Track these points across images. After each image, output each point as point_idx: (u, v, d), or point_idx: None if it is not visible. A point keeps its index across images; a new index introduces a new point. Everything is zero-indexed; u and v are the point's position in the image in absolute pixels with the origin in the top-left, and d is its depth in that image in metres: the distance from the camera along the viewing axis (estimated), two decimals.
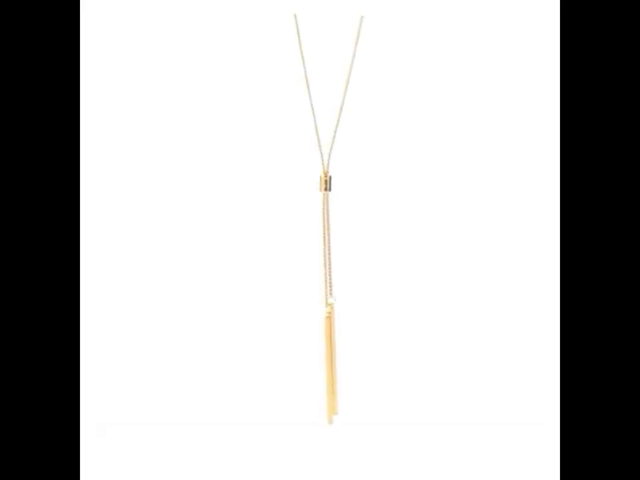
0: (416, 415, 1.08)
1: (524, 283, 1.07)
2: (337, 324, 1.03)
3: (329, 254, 1.03)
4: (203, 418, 1.08)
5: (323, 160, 1.03)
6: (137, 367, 1.08)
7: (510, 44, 1.04)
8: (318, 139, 1.03)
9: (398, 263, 1.07)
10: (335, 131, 1.03)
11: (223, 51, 1.04)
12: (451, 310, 1.07)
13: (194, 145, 1.06)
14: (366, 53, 1.03)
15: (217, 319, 1.07)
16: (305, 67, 1.02)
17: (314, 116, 1.02)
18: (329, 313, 1.02)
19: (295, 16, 1.01)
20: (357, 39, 1.02)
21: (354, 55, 1.02)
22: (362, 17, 1.02)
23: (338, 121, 1.03)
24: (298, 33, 1.02)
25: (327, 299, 1.02)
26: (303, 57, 1.02)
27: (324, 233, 1.03)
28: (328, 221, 1.03)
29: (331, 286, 1.02)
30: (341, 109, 1.03)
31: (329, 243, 1.03)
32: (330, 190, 1.03)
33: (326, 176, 1.03)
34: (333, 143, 1.03)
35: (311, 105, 1.02)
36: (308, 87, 1.02)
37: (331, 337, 1.02)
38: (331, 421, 1.03)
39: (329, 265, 1.02)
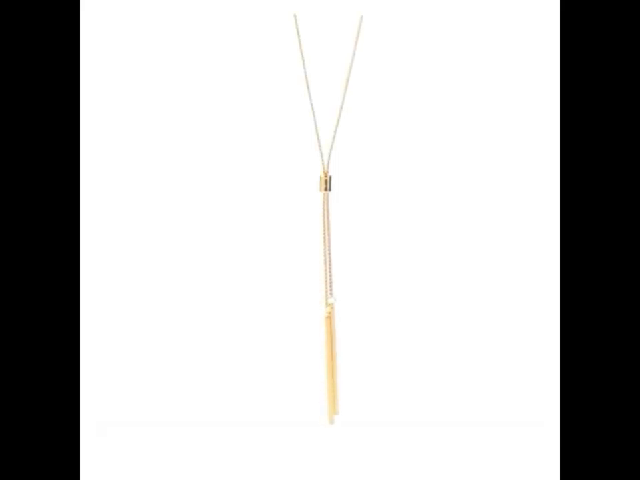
0: (416, 415, 1.08)
1: (524, 283, 1.07)
2: (337, 324, 1.03)
3: (329, 254, 1.03)
4: (203, 418, 1.08)
5: (322, 160, 1.03)
6: (137, 366, 1.08)
7: (510, 44, 1.04)
8: (318, 138, 1.03)
9: (398, 262, 1.07)
10: (335, 131, 1.03)
11: (223, 51, 1.04)
12: (451, 310, 1.07)
13: (194, 145, 1.06)
14: (366, 53, 1.03)
15: (217, 319, 1.07)
16: (304, 67, 1.02)
17: (314, 116, 1.02)
18: (329, 313, 1.02)
19: (295, 16, 1.01)
20: (357, 39, 1.02)
21: (354, 55, 1.02)
22: (362, 17, 1.02)
23: (338, 121, 1.03)
24: (298, 33, 1.02)
25: (327, 299, 1.02)
26: (303, 57, 1.02)
27: (324, 233, 1.03)
28: (328, 221, 1.03)
29: (331, 286, 1.02)
30: (341, 109, 1.03)
31: (328, 243, 1.03)
32: (330, 190, 1.03)
33: (326, 176, 1.03)
34: (332, 143, 1.03)
35: (311, 105, 1.02)
36: (308, 87, 1.02)
37: (331, 337, 1.02)
38: (331, 421, 1.03)
39: (329, 265, 1.02)
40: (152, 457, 1.05)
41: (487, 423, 1.08)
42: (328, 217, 1.03)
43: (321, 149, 1.03)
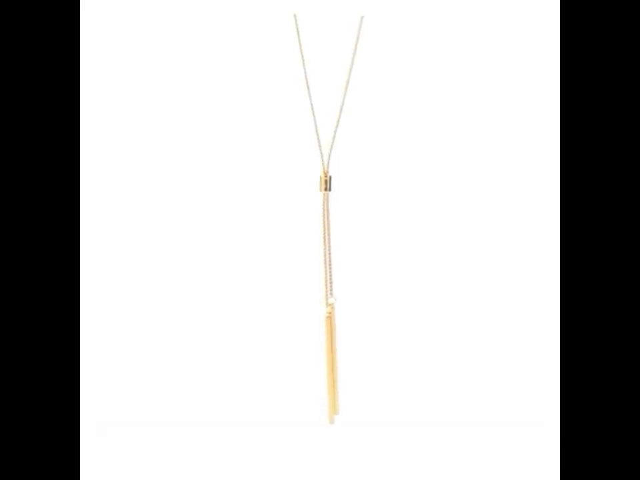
0: (416, 415, 1.08)
1: (524, 283, 1.07)
2: (337, 324, 1.03)
3: (329, 254, 1.03)
4: (203, 418, 1.08)
5: (322, 160, 1.03)
6: (137, 367, 1.08)
7: (510, 44, 1.04)
8: (318, 138, 1.03)
9: (398, 262, 1.07)
10: (335, 131, 1.03)
11: (223, 51, 1.04)
12: (451, 310, 1.07)
13: (194, 145, 1.06)
14: (366, 53, 1.03)
15: (217, 319, 1.07)
16: (304, 67, 1.02)
17: (314, 116, 1.02)
18: (330, 313, 1.02)
19: (295, 16, 1.01)
20: (357, 38, 1.02)
21: (354, 55, 1.02)
22: (362, 17, 1.02)
23: (338, 120, 1.03)
24: (298, 33, 1.02)
25: (327, 299, 1.02)
26: (302, 57, 1.02)
27: (324, 233, 1.03)
28: (328, 221, 1.03)
29: (331, 286, 1.02)
30: (341, 108, 1.03)
31: (329, 243, 1.03)
32: (330, 190, 1.03)
33: (326, 176, 1.03)
34: (332, 142, 1.03)
35: (311, 105, 1.02)
36: (308, 87, 1.02)
37: (331, 337, 1.02)
38: (332, 421, 1.03)
39: (329, 265, 1.02)
40: (152, 457, 1.05)
41: (487, 422, 1.08)
42: (328, 217, 1.03)
43: (320, 149, 1.03)
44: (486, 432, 1.07)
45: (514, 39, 1.04)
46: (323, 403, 1.03)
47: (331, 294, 1.02)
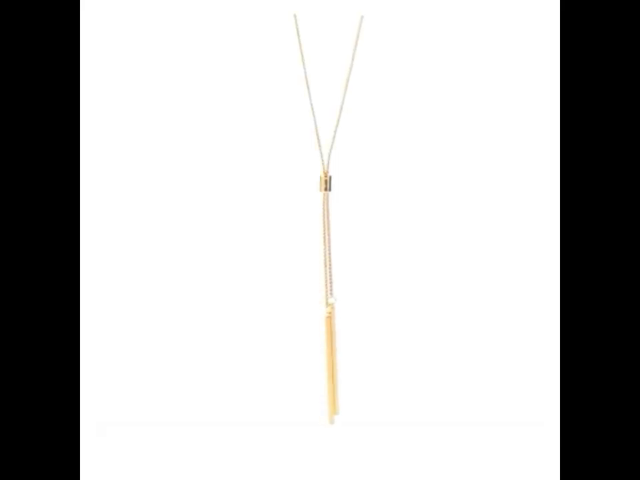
0: (416, 415, 1.08)
1: (524, 283, 1.07)
2: (337, 324, 1.03)
3: (329, 254, 1.03)
4: (203, 418, 1.08)
5: (322, 160, 1.03)
6: (137, 367, 1.08)
7: (510, 44, 1.04)
8: (318, 138, 1.03)
9: (398, 263, 1.07)
10: (335, 131, 1.03)
11: (223, 51, 1.04)
12: (451, 310, 1.07)
13: (194, 145, 1.06)
14: (366, 53, 1.03)
15: (217, 319, 1.07)
16: (304, 67, 1.02)
17: (314, 116, 1.02)
18: (330, 313, 1.02)
19: (295, 16, 1.01)
20: (357, 38, 1.02)
21: (354, 55, 1.02)
22: (362, 17, 1.02)
23: (338, 120, 1.03)
24: (298, 33, 1.02)
25: (327, 299, 1.02)
26: (302, 57, 1.02)
27: (324, 233, 1.03)
28: (328, 221, 1.03)
29: (331, 286, 1.02)
30: (341, 108, 1.03)
31: (329, 243, 1.03)
32: (330, 190, 1.03)
33: (326, 176, 1.03)
34: (332, 142, 1.03)
35: (311, 105, 1.02)
36: (308, 87, 1.02)
37: (331, 337, 1.02)
38: (332, 421, 1.03)
39: (329, 265, 1.02)
40: (152, 457, 1.05)
41: (487, 422, 1.08)
42: (328, 217, 1.03)
43: (320, 149, 1.03)
44: (486, 432, 1.07)
45: (514, 39, 1.04)
46: (322, 403, 1.03)
47: (331, 294, 1.02)
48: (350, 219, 1.06)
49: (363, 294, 1.07)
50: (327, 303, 1.02)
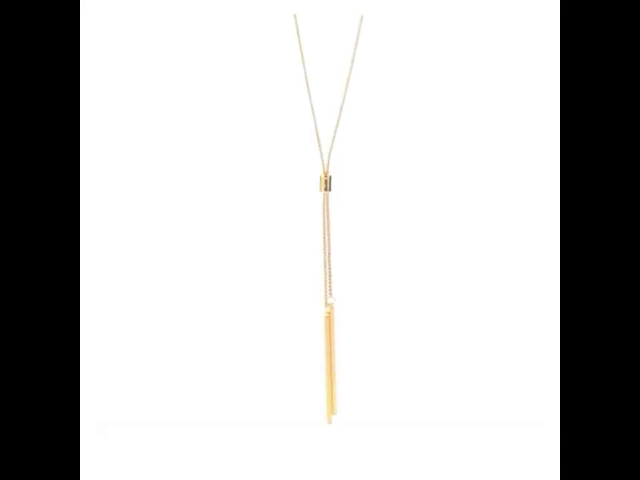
0: (415, 415, 1.08)
1: (524, 283, 1.07)
2: (336, 324, 1.03)
3: (329, 254, 1.03)
4: (203, 418, 1.08)
5: (322, 160, 1.03)
6: (137, 366, 1.08)
7: (510, 44, 1.04)
8: (318, 138, 1.03)
9: (398, 263, 1.07)
10: (335, 131, 1.03)
11: (223, 51, 1.04)
12: (450, 310, 1.07)
13: (194, 145, 1.06)
14: (366, 53, 1.03)
15: (216, 318, 1.07)
16: (304, 67, 1.02)
17: (314, 116, 1.02)
18: (329, 312, 1.02)
19: (295, 16, 1.01)
20: (357, 38, 1.02)
21: (354, 55, 1.02)
22: (362, 17, 1.02)
23: (338, 121, 1.03)
24: (298, 33, 1.02)
25: (326, 299, 1.02)
26: (302, 57, 1.02)
27: (324, 233, 1.03)
28: (328, 221, 1.03)
29: (330, 286, 1.02)
30: (341, 108, 1.03)
31: (328, 242, 1.03)
32: (330, 190, 1.03)
33: (326, 176, 1.03)
34: (332, 142, 1.03)
35: (311, 105, 1.02)
36: (308, 87, 1.02)
37: (330, 336, 1.02)
38: (329, 421, 1.03)
39: (329, 265, 1.02)
40: (152, 457, 1.05)
41: (487, 422, 1.08)
42: (328, 217, 1.03)
43: (320, 149, 1.03)
44: (486, 432, 1.07)
45: (514, 39, 1.04)
46: (320, 403, 1.03)
47: (330, 294, 1.02)
48: (350, 219, 1.06)
49: (362, 294, 1.07)
50: (326, 302, 1.02)
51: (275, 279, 1.07)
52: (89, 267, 1.06)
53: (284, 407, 1.08)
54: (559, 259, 0.94)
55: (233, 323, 1.07)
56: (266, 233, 1.06)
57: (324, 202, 1.03)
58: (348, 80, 1.03)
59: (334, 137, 1.03)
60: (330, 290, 1.02)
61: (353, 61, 1.02)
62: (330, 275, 1.02)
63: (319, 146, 1.03)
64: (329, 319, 1.02)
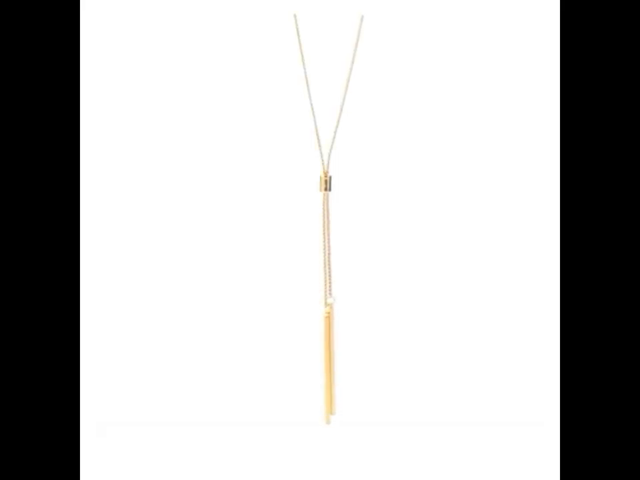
0: (414, 415, 1.08)
1: (524, 283, 1.07)
2: (335, 324, 1.03)
3: (329, 254, 1.03)
4: (202, 418, 1.08)
5: (322, 160, 1.03)
6: (137, 366, 1.08)
7: (510, 44, 1.04)
8: (318, 138, 1.03)
9: (397, 263, 1.07)
10: (335, 131, 1.03)
11: (223, 51, 1.04)
12: (450, 310, 1.07)
13: (194, 145, 1.06)
14: (366, 53, 1.03)
15: (216, 318, 1.07)
16: (304, 67, 1.02)
17: (314, 116, 1.02)
18: (328, 312, 1.02)
19: (295, 16, 1.01)
20: (357, 38, 1.02)
21: (354, 55, 1.02)
22: (362, 17, 1.02)
23: (338, 121, 1.03)
24: (298, 33, 1.02)
25: (326, 299, 1.02)
26: (302, 57, 1.02)
27: (324, 233, 1.03)
28: (328, 221, 1.03)
29: (330, 286, 1.02)
30: (341, 108, 1.03)
31: (328, 242, 1.03)
32: (330, 190, 1.03)
33: (326, 176, 1.03)
34: (332, 142, 1.03)
35: (311, 105, 1.02)
36: (308, 87, 1.02)
37: (329, 337, 1.02)
38: (328, 421, 1.03)
39: (329, 265, 1.02)
40: (152, 457, 1.05)
41: (487, 423, 1.08)
42: (328, 217, 1.03)
43: (320, 149, 1.03)
44: (486, 432, 1.07)
45: (514, 39, 1.04)
46: (319, 403, 1.03)
47: (330, 294, 1.02)
48: (350, 219, 1.06)
49: (361, 294, 1.07)
50: (325, 302, 1.02)
51: (275, 279, 1.07)
52: (89, 267, 1.06)
53: (283, 406, 1.08)
54: (559, 259, 0.94)
55: (232, 322, 1.07)
56: (266, 232, 1.06)
57: (324, 202, 1.03)
58: (348, 80, 1.03)
59: (334, 137, 1.03)
60: (330, 290, 1.02)
61: (352, 61, 1.02)
62: (330, 275, 1.02)
63: (319, 146, 1.03)
64: (329, 319, 1.02)
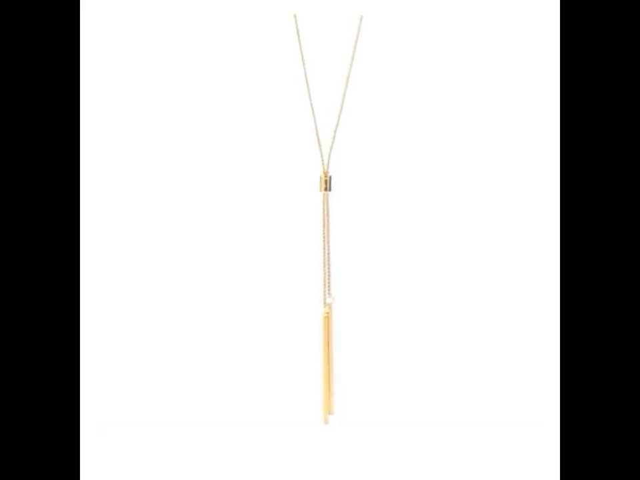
0: (414, 415, 1.08)
1: (524, 283, 1.07)
2: (334, 324, 1.03)
3: (329, 254, 1.03)
4: (200, 418, 1.08)
5: (322, 160, 1.03)
6: (137, 366, 1.08)
7: (510, 44, 1.04)
8: (318, 138, 1.03)
9: (397, 263, 1.07)
10: (335, 131, 1.03)
11: (223, 51, 1.04)
12: (450, 310, 1.07)
13: (194, 145, 1.06)
14: (366, 53, 1.03)
15: (215, 318, 1.07)
16: (304, 67, 1.02)
17: (314, 116, 1.02)
18: (327, 312, 1.02)
19: (295, 16, 1.02)
20: (357, 39, 1.02)
21: (354, 55, 1.02)
22: (362, 17, 1.02)
23: (338, 121, 1.03)
24: (298, 33, 1.02)
25: (325, 299, 1.02)
26: (302, 56, 1.02)
27: (324, 233, 1.03)
28: (328, 221, 1.03)
29: (329, 286, 1.02)
30: (341, 108, 1.03)
31: (328, 242, 1.03)
32: (330, 190, 1.03)
33: (326, 176, 1.03)
34: (332, 143, 1.03)
35: (311, 105, 1.02)
36: (308, 87, 1.02)
37: (328, 336, 1.02)
38: (326, 421, 1.03)
39: (328, 265, 1.02)
40: (152, 457, 1.05)
41: (487, 422, 1.07)
42: (328, 217, 1.03)
43: (320, 149, 1.03)
44: (486, 432, 1.07)
45: (514, 39, 1.04)
46: (318, 403, 1.03)
47: (329, 294, 1.02)
48: (350, 219, 1.06)
49: (361, 294, 1.07)
50: (324, 302, 1.02)
51: (274, 279, 1.07)
52: (89, 267, 1.06)
53: (281, 406, 1.08)
54: (559, 259, 0.94)
55: (231, 322, 1.07)
56: (266, 232, 1.06)
57: (324, 202, 1.03)
58: (348, 80, 1.03)
59: (334, 136, 1.03)
60: (329, 290, 1.02)
61: (352, 61, 1.02)
62: (329, 275, 1.02)
63: (319, 146, 1.03)
64: (328, 319, 1.02)
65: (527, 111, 1.05)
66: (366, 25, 1.02)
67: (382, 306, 1.07)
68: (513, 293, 1.07)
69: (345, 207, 1.05)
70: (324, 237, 1.03)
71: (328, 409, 1.03)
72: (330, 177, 1.03)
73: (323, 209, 1.03)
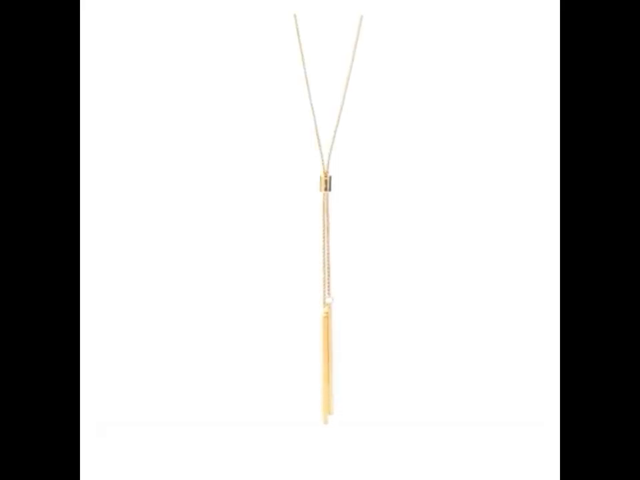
0: (413, 415, 1.08)
1: (524, 283, 1.07)
2: (334, 324, 1.03)
3: (328, 254, 1.03)
4: (200, 418, 1.08)
5: (322, 160, 1.03)
6: (137, 366, 1.08)
7: (510, 44, 1.04)
8: (318, 138, 1.03)
9: (397, 263, 1.07)
10: (335, 131, 1.03)
11: (223, 51, 1.05)
12: (449, 310, 1.07)
13: (194, 145, 1.06)
14: (366, 53, 1.03)
15: (215, 318, 1.07)
16: (304, 67, 1.02)
17: (314, 116, 1.02)
18: (327, 312, 1.02)
19: (295, 16, 1.02)
20: (357, 39, 1.02)
21: (354, 55, 1.02)
22: (362, 17, 1.02)
23: (338, 121, 1.03)
24: (298, 33, 1.02)
25: (324, 299, 1.02)
26: (303, 56, 1.02)
27: (324, 233, 1.03)
28: (328, 221, 1.03)
29: (329, 286, 1.02)
30: (341, 108, 1.03)
31: (328, 243, 1.03)
32: (330, 190, 1.03)
33: (326, 176, 1.03)
34: (333, 143, 1.03)
35: (311, 105, 1.02)
36: (308, 87, 1.02)
37: (328, 336, 1.02)
38: (326, 421, 1.03)
39: (328, 265, 1.02)
40: (152, 457, 1.05)
41: (487, 422, 1.07)
42: (328, 217, 1.03)
43: (320, 149, 1.03)
44: (486, 432, 1.07)
45: (514, 39, 1.04)
46: (317, 403, 1.03)
47: (329, 294, 1.02)
48: (350, 219, 1.06)
49: (360, 294, 1.07)
50: (324, 302, 1.02)
51: (274, 279, 1.07)
52: (88, 267, 1.06)
53: (281, 406, 1.08)
54: (559, 259, 0.94)
55: (231, 322, 1.07)
56: (265, 232, 1.06)
57: (324, 202, 1.03)
58: (348, 80, 1.03)
59: (334, 136, 1.03)
60: (328, 290, 1.02)
61: (352, 61, 1.02)
62: (329, 275, 1.02)
63: (319, 146, 1.03)
64: (327, 318, 1.02)
65: (527, 111, 1.05)
66: (366, 24, 1.02)
67: (381, 306, 1.07)
68: (512, 293, 1.07)
69: (345, 206, 1.05)
70: (324, 237, 1.03)
71: (327, 409, 1.03)
72: (330, 177, 1.03)
73: (323, 209, 1.03)
